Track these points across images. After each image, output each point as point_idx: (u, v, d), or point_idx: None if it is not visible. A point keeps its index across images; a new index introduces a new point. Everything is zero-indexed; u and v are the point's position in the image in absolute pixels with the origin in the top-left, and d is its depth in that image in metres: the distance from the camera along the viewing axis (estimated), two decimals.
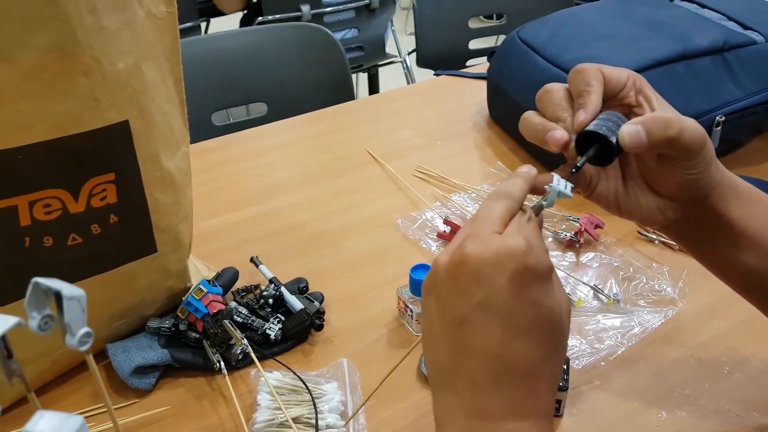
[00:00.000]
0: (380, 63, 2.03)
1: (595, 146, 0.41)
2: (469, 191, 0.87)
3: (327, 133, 1.07)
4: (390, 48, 2.04)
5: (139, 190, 0.58)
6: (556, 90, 0.44)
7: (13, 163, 0.50)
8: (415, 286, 0.65)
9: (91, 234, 0.57)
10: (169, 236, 0.63)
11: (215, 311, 0.63)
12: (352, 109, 1.16)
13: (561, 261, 0.75)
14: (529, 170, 0.41)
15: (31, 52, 0.47)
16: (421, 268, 0.66)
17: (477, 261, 0.34)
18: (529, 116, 0.45)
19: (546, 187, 0.40)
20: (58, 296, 0.26)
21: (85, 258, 0.57)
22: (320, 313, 0.68)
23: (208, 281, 0.66)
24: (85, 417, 0.59)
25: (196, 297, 0.64)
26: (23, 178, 0.51)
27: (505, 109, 0.99)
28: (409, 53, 1.69)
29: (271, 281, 0.72)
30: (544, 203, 0.39)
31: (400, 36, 2.16)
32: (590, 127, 0.41)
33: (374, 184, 0.92)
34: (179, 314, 0.64)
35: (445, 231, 0.79)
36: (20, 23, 0.46)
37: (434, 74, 1.25)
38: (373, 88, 2.16)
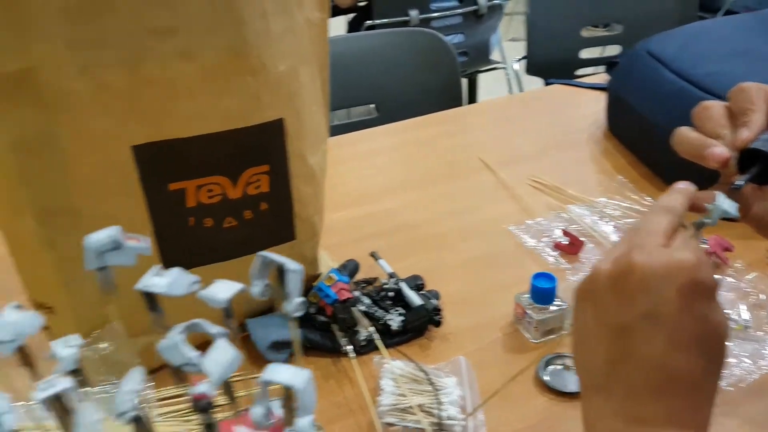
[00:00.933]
0: (482, 69, 2.04)
1: (759, 164, 0.41)
2: (588, 203, 0.87)
3: (437, 137, 1.09)
4: (492, 54, 2.05)
5: (287, 182, 0.63)
6: (715, 107, 0.44)
7: (187, 150, 0.55)
8: (537, 294, 0.66)
9: (244, 219, 0.62)
10: (306, 225, 0.68)
11: (344, 298, 0.67)
12: (463, 115, 1.18)
13: None
14: (687, 186, 0.41)
15: (210, 53, 0.53)
16: (543, 277, 0.67)
17: (645, 271, 0.35)
18: (685, 132, 0.45)
19: (707, 205, 0.40)
20: (280, 269, 0.29)
21: (236, 240, 0.63)
22: (438, 311, 0.70)
23: (337, 270, 0.70)
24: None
25: (327, 284, 0.68)
26: (194, 164, 0.57)
27: (627, 122, 0.97)
28: (518, 60, 1.69)
29: (390, 275, 0.75)
30: (707, 221, 0.39)
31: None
32: (755, 145, 0.41)
33: (486, 191, 0.93)
34: (311, 298, 0.69)
35: (562, 242, 0.80)
36: (205, 26, 0.52)
37: (546, 83, 1.25)
38: (472, 94, 2.17)
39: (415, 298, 0.71)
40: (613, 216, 0.85)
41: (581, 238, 0.79)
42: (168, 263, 0.61)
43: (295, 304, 0.31)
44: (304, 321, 0.69)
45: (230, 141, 0.57)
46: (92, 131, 0.51)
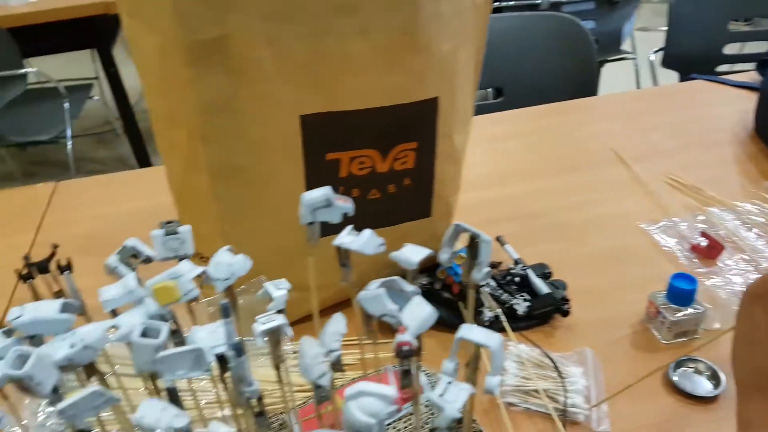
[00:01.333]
0: (610, 59, 1.96)
1: None
2: (730, 207, 0.83)
3: (568, 126, 1.07)
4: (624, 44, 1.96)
5: (432, 160, 0.65)
6: None
7: (350, 123, 0.59)
8: (675, 295, 0.65)
9: (387, 192, 0.65)
10: (442, 204, 0.70)
11: None
12: (596, 105, 1.15)
13: None
14: None
15: (384, 31, 0.55)
16: (683, 277, 0.65)
17: None
18: None
19: None
20: (473, 239, 0.31)
21: (378, 212, 0.66)
22: (566, 300, 0.70)
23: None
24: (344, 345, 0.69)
25: (458, 263, 0.70)
26: (352, 136, 0.60)
27: None
28: (656, 51, 1.61)
29: (516, 261, 0.76)
30: None
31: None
32: None
33: (618, 185, 0.91)
34: (439, 275, 0.71)
35: (700, 244, 0.77)
36: (383, 6, 0.54)
37: (684, 78, 1.19)
38: None
39: (542, 286, 0.71)
40: (757, 223, 0.80)
41: (721, 243, 0.76)
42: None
43: (483, 273, 0.33)
44: (429, 296, 0.72)
45: (388, 116, 0.60)
46: (270, 98, 0.55)
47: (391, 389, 0.27)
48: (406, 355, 0.29)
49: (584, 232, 0.83)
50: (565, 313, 0.69)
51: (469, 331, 0.30)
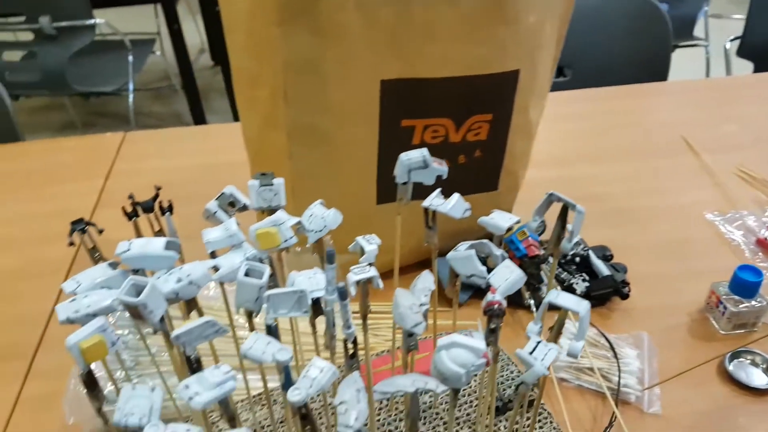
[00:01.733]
0: (680, 44, 1.89)
1: None
2: None
3: (638, 110, 1.05)
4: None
5: (506, 133, 0.66)
6: None
7: (428, 90, 0.59)
8: (739, 286, 0.64)
9: (457, 162, 0.66)
10: (510, 179, 0.70)
11: (533, 254, 0.70)
12: (667, 90, 1.12)
13: None
14: None
15: (473, 0, 0.55)
16: (749, 269, 0.64)
17: None
18: None
19: None
20: (565, 207, 0.32)
21: (445, 181, 0.67)
22: (625, 284, 0.70)
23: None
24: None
25: (519, 238, 0.71)
26: (429, 104, 0.61)
27: None
28: (732, 40, 1.55)
29: (577, 243, 0.76)
30: None
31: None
32: None
33: (686, 174, 0.90)
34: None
35: (767, 238, 0.75)
36: None
37: (758, 69, 1.15)
38: None
39: (602, 268, 0.71)
40: None
41: None
42: (381, 193, 0.67)
43: (573, 243, 0.34)
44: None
45: (467, 86, 0.60)
46: (354, 61, 0.56)
47: (482, 343, 0.28)
48: (497, 314, 0.31)
49: (649, 219, 0.82)
50: (624, 296, 0.69)
51: (558, 297, 0.31)
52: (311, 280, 0.33)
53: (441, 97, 0.60)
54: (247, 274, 0.32)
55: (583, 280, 0.70)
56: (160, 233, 0.40)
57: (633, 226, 0.81)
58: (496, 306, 0.31)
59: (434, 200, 0.38)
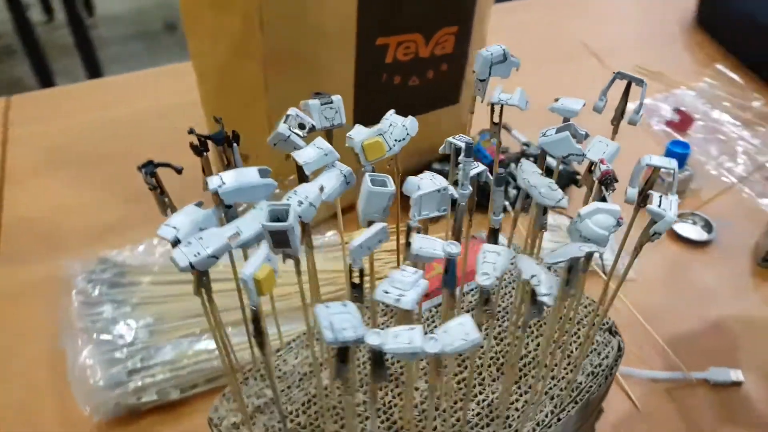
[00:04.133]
0: None
1: None
2: (693, 88, 0.94)
3: (542, 21, 1.12)
4: None
5: (468, 45, 0.68)
6: None
7: (402, 5, 0.59)
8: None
9: (426, 78, 0.67)
10: (469, 90, 0.73)
11: (500, 159, 0.74)
12: (566, 2, 1.21)
13: None
14: None
15: None
16: (678, 144, 0.75)
17: None
18: None
19: None
20: (629, 84, 0.36)
21: (414, 98, 0.68)
22: (577, 173, 0.78)
23: (488, 134, 0.76)
24: None
25: (484, 146, 0.75)
26: (402, 19, 0.61)
27: (724, 17, 1.03)
28: None
29: (526, 144, 0.82)
30: None
31: None
32: None
33: (590, 76, 0.99)
34: None
35: (673, 120, 0.87)
36: None
37: None
38: None
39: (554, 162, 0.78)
40: (715, 96, 0.92)
41: (691, 116, 0.86)
42: (358, 114, 0.66)
43: (640, 117, 0.38)
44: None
45: None
46: None
47: (617, 206, 0.31)
48: (612, 180, 0.34)
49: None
50: (579, 184, 0.77)
51: (651, 158, 0.35)
52: (434, 181, 0.34)
53: (413, 11, 0.61)
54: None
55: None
56: (229, 167, 0.37)
57: (537, 121, 0.87)
58: (609, 175, 0.34)
59: (502, 95, 0.39)
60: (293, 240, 0.29)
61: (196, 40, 0.61)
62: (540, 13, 1.14)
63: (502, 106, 0.41)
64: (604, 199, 0.35)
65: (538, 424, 0.40)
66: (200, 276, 0.31)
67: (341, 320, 0.26)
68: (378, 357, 0.26)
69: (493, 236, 0.36)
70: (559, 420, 0.40)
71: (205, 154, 0.36)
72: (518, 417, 0.40)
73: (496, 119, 0.42)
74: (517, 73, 0.38)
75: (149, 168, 0.34)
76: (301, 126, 0.37)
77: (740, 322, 0.63)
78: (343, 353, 0.26)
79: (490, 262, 0.29)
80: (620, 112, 0.41)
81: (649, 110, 0.90)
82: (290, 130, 0.37)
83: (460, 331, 0.26)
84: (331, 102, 0.38)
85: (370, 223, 0.33)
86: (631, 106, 0.40)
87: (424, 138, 0.70)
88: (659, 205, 0.33)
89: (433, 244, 0.30)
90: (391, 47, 0.62)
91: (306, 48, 0.58)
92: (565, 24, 1.12)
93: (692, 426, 0.54)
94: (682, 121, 0.86)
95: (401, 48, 0.63)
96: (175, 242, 0.31)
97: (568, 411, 0.41)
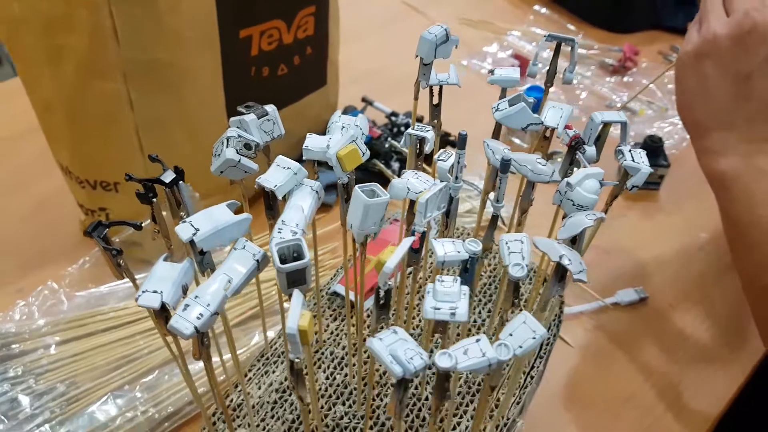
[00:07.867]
0: None
1: None
2: (520, 31, 1.00)
3: None
4: None
5: (326, 24, 0.65)
6: None
7: None
8: None
9: (293, 65, 0.63)
10: (333, 69, 0.71)
11: (377, 135, 0.74)
12: None
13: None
14: None
15: None
16: (534, 89, 0.80)
17: (766, 25, 0.45)
18: None
19: None
20: (558, 44, 0.37)
21: (285, 87, 0.64)
22: (449, 134, 0.80)
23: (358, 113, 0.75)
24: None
25: None
26: (261, 6, 0.56)
27: None
28: None
29: (393, 114, 0.82)
30: None
31: None
32: None
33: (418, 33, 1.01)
34: None
35: (513, 65, 0.93)
36: None
37: None
38: None
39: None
40: (540, 36, 1.00)
41: (527, 58, 0.93)
42: (233, 115, 0.60)
43: (573, 75, 0.40)
44: None
45: None
46: None
47: (600, 168, 0.32)
48: (582, 142, 0.35)
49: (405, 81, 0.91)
50: (453, 144, 0.79)
51: (602, 115, 0.36)
52: (421, 179, 0.32)
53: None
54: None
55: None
56: (180, 208, 0.32)
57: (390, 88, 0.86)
58: (580, 136, 0.35)
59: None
60: (308, 275, 0.26)
61: (32, 68, 0.51)
62: None
63: (441, 87, 0.40)
64: (572, 162, 0.37)
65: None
66: (202, 337, 0.27)
67: (403, 351, 0.24)
68: (445, 377, 0.25)
69: (494, 223, 0.35)
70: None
71: (154, 200, 0.30)
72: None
73: (435, 101, 0.41)
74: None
75: (100, 230, 0.28)
76: (247, 147, 0.33)
77: (626, 246, 0.69)
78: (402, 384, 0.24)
79: (516, 252, 0.29)
80: (552, 73, 0.42)
81: (488, 57, 0.95)
82: (238, 153, 0.32)
83: (526, 330, 0.25)
84: (267, 114, 0.34)
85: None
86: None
87: (299, 126, 0.67)
88: (633, 159, 0.35)
89: (451, 247, 0.29)
90: (254, 38, 0.58)
91: (167, 55, 0.52)
92: None
93: (619, 346, 0.58)
94: (522, 65, 0.92)
95: (265, 37, 0.58)
96: (162, 308, 0.26)
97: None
